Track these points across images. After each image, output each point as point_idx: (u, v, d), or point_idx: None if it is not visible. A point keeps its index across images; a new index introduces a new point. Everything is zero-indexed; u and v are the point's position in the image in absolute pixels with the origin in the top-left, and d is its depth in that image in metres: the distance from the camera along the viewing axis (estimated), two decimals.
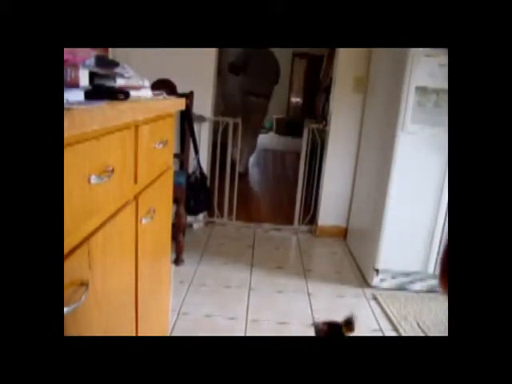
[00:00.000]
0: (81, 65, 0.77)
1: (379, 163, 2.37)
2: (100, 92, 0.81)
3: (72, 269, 0.66)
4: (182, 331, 1.78)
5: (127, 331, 1.02)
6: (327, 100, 3.22)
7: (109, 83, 0.90)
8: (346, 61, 2.82)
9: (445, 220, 2.17)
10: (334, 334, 1.28)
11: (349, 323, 1.33)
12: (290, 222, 3.21)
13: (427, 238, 2.20)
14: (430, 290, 2.26)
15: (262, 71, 4.54)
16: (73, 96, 0.70)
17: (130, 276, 1.00)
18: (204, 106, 2.82)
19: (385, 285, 2.29)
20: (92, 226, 0.75)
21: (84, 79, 0.78)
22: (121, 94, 0.87)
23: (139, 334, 1.10)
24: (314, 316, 1.39)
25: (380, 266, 2.26)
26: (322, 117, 3.36)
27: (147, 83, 1.14)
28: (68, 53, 0.74)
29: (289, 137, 8.58)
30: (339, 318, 1.97)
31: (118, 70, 0.96)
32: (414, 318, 1.98)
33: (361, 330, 1.90)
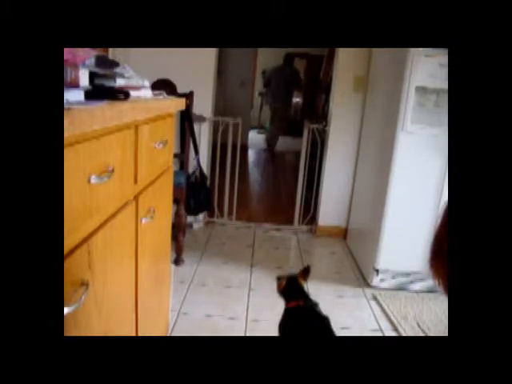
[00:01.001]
0: (81, 65, 0.77)
1: (379, 163, 2.37)
2: (100, 92, 0.81)
3: (72, 269, 0.66)
4: (181, 331, 1.78)
5: (127, 331, 1.02)
6: (327, 100, 3.22)
7: (109, 83, 0.90)
8: (346, 61, 2.82)
9: None
10: (291, 284, 1.47)
11: (305, 273, 1.51)
12: (290, 221, 3.21)
13: (427, 238, 2.20)
14: (430, 290, 2.26)
15: (277, 84, 6.36)
16: (73, 96, 0.70)
17: (130, 276, 1.00)
18: (204, 106, 2.82)
19: (385, 285, 2.29)
20: (92, 226, 0.75)
21: (84, 79, 0.78)
22: (121, 94, 0.87)
23: (139, 334, 1.10)
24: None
25: (380, 265, 2.26)
26: (322, 117, 3.36)
27: (147, 83, 1.14)
28: (68, 53, 0.74)
29: (289, 137, 8.58)
30: (338, 316, 1.98)
31: (118, 70, 0.96)
32: (413, 318, 1.98)
33: (361, 330, 1.91)
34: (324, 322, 1.37)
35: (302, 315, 1.42)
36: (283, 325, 1.45)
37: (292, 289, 1.48)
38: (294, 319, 1.42)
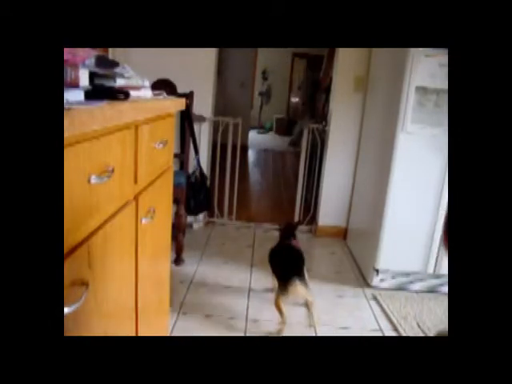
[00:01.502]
0: (81, 65, 0.77)
1: (379, 163, 2.37)
2: (100, 92, 0.81)
3: (72, 269, 0.66)
4: (181, 331, 1.78)
5: (127, 331, 1.02)
6: (327, 100, 3.22)
7: (109, 83, 0.90)
8: (346, 61, 2.82)
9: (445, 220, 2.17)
10: (289, 230, 2.12)
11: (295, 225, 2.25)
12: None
13: (427, 237, 2.20)
14: (430, 290, 2.26)
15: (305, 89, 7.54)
16: (73, 96, 0.70)
17: (130, 276, 1.00)
18: (204, 106, 2.82)
19: (385, 285, 2.29)
20: (92, 226, 0.75)
21: (84, 79, 0.78)
22: (121, 94, 0.87)
23: (139, 334, 1.10)
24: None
25: (380, 265, 2.26)
26: (322, 117, 3.36)
27: (147, 83, 1.14)
28: (68, 53, 0.74)
29: (289, 137, 8.58)
30: (338, 316, 1.98)
31: (118, 70, 0.96)
32: (413, 318, 1.98)
33: (361, 330, 1.91)
34: (299, 253, 1.93)
35: (286, 247, 2.02)
36: (273, 251, 2.04)
37: (286, 233, 2.12)
38: (281, 248, 2.04)
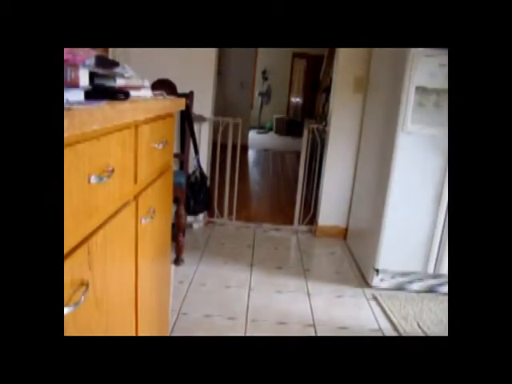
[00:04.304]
0: (81, 65, 0.77)
1: (379, 163, 2.38)
2: (100, 92, 0.81)
3: (72, 269, 0.66)
4: (181, 331, 1.78)
5: (127, 331, 1.02)
6: (327, 100, 3.22)
7: (109, 83, 0.90)
8: (346, 61, 2.82)
9: (445, 220, 2.17)
10: None
11: None
12: (290, 222, 3.21)
13: (427, 237, 2.20)
14: (430, 290, 2.26)
15: None
16: (73, 96, 0.70)
17: (130, 276, 1.00)
18: (204, 106, 2.82)
19: (385, 285, 2.29)
20: (92, 226, 0.75)
21: (84, 79, 0.78)
22: (121, 94, 0.87)
23: (139, 334, 1.10)
24: None
25: (380, 265, 2.26)
26: (322, 117, 3.36)
27: (147, 83, 1.14)
28: (68, 53, 0.74)
29: (289, 137, 8.59)
30: (338, 316, 1.98)
31: (118, 70, 0.96)
32: (413, 318, 1.98)
33: (360, 330, 1.91)
34: None
35: None
36: None
37: None
38: None
